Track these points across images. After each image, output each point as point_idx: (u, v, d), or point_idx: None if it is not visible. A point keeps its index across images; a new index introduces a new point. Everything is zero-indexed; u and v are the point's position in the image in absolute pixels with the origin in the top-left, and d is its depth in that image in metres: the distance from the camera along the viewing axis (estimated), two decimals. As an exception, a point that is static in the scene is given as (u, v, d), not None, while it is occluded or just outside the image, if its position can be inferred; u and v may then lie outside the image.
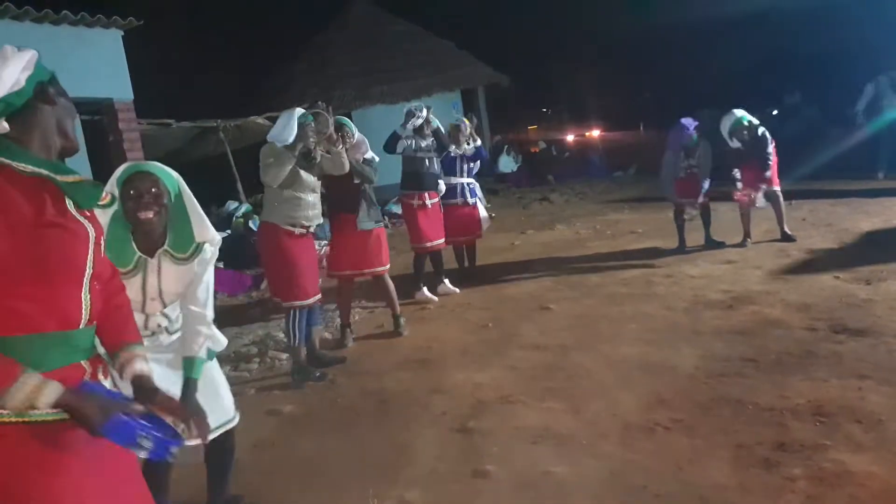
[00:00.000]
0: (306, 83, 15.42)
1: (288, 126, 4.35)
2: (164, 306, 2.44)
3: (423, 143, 6.18)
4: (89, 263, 1.58)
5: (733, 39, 14.58)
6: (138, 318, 2.22)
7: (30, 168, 1.50)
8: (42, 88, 1.56)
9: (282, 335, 5.69)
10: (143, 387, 1.71)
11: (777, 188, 7.04)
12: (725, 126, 7.09)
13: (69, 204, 1.56)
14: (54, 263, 1.49)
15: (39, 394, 1.43)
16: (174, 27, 18.66)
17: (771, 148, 6.94)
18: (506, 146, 18.57)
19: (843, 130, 11.41)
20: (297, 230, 4.45)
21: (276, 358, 5.16)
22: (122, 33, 7.90)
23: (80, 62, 7.22)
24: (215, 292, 8.26)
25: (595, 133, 21.44)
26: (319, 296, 4.69)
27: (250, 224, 9.57)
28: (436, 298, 6.39)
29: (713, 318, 4.87)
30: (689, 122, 7.12)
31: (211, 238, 2.45)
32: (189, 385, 2.28)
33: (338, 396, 4.26)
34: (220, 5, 22.00)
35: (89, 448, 1.51)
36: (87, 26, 7.48)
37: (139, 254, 2.34)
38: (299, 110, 4.48)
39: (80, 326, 1.55)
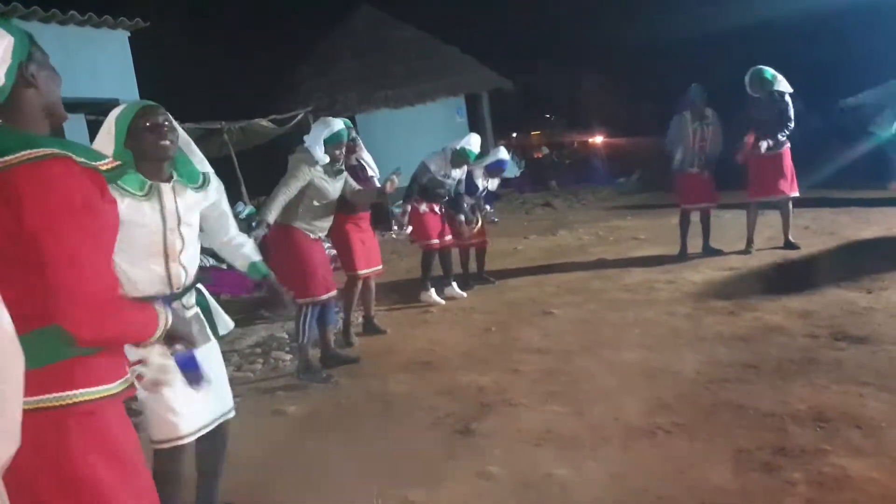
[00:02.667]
0: (311, 87, 15.45)
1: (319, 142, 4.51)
2: (183, 244, 2.35)
3: (452, 175, 6.40)
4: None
5: (736, 48, 14.62)
6: (160, 271, 2.30)
7: (81, 159, 1.48)
8: (21, 74, 1.50)
9: (285, 336, 5.73)
10: None
11: (790, 195, 6.94)
12: (749, 78, 6.90)
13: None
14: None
15: (167, 322, 1.68)
16: (180, 29, 18.74)
17: (791, 113, 6.78)
18: (509, 151, 18.60)
19: (844, 139, 11.41)
20: (312, 235, 4.59)
21: (279, 359, 5.19)
22: (129, 34, 7.96)
23: (86, 62, 7.29)
24: (217, 294, 8.24)
25: (598, 139, 21.50)
26: (333, 293, 4.71)
27: (254, 225, 9.58)
28: (442, 301, 6.41)
29: (715, 323, 4.90)
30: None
31: (209, 169, 2.58)
32: (269, 276, 2.84)
33: (342, 398, 4.29)
34: (226, 9, 22.11)
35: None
36: (95, 27, 7.56)
37: (149, 181, 2.30)
38: (339, 123, 4.61)
39: None
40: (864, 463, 2.79)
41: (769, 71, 6.85)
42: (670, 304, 5.51)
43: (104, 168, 1.53)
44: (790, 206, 7.00)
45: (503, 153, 7.01)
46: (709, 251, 7.21)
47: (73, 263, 1.41)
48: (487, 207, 7.14)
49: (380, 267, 5.48)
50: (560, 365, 4.41)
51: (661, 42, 18.50)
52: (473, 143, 6.38)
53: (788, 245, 6.99)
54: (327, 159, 4.51)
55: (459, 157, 6.31)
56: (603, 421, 3.49)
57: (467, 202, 6.68)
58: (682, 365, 4.14)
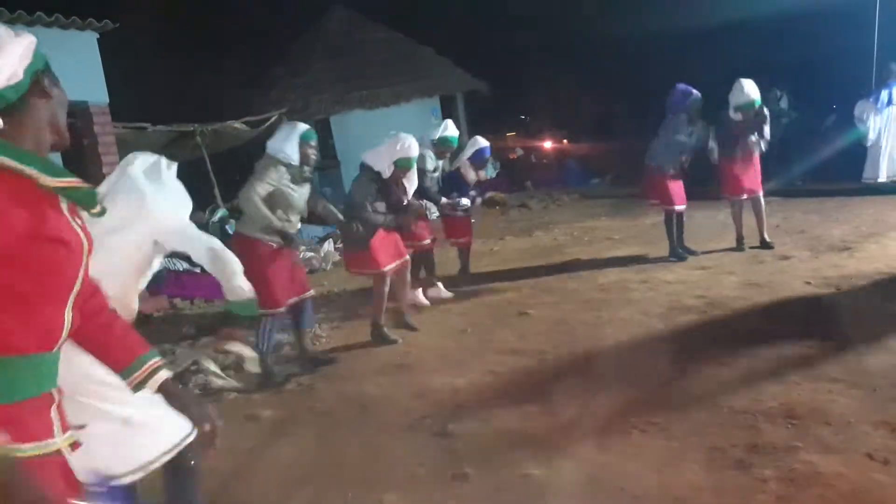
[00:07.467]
0: (285, 88, 15.35)
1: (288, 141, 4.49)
2: None
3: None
4: (80, 279, 1.43)
5: (715, 47, 14.74)
6: None
7: (28, 170, 1.31)
8: (38, 80, 1.40)
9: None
10: (170, 392, 1.73)
11: (760, 192, 7.05)
12: (735, 97, 6.85)
13: (64, 209, 1.40)
14: (49, 281, 1.36)
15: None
16: (151, 30, 18.50)
17: (768, 129, 6.85)
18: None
19: (819, 137, 11.54)
20: (276, 245, 4.51)
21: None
22: (98, 36, 7.83)
23: (54, 65, 7.05)
24: (192, 298, 8.02)
25: (572, 140, 21.59)
26: (287, 304, 4.63)
27: (227, 228, 9.52)
28: (427, 302, 6.37)
29: (688, 322, 4.94)
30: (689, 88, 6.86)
31: None
32: None
33: (316, 401, 4.27)
34: (198, 9, 21.87)
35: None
36: (62, 28, 7.40)
37: None
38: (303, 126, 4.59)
39: (55, 348, 1.42)
40: (834, 459, 2.83)
41: (758, 100, 6.82)
42: (644, 304, 5.55)
43: (61, 185, 1.37)
44: (762, 203, 7.07)
45: (481, 141, 6.85)
46: (682, 246, 7.18)
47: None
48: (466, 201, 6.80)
49: (406, 258, 5.43)
50: (535, 365, 4.43)
51: (635, 43, 18.64)
52: (451, 128, 6.36)
53: (763, 244, 7.00)
54: (297, 159, 4.47)
55: (444, 145, 6.31)
56: (578, 421, 3.50)
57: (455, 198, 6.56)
58: (657, 364, 4.17)
